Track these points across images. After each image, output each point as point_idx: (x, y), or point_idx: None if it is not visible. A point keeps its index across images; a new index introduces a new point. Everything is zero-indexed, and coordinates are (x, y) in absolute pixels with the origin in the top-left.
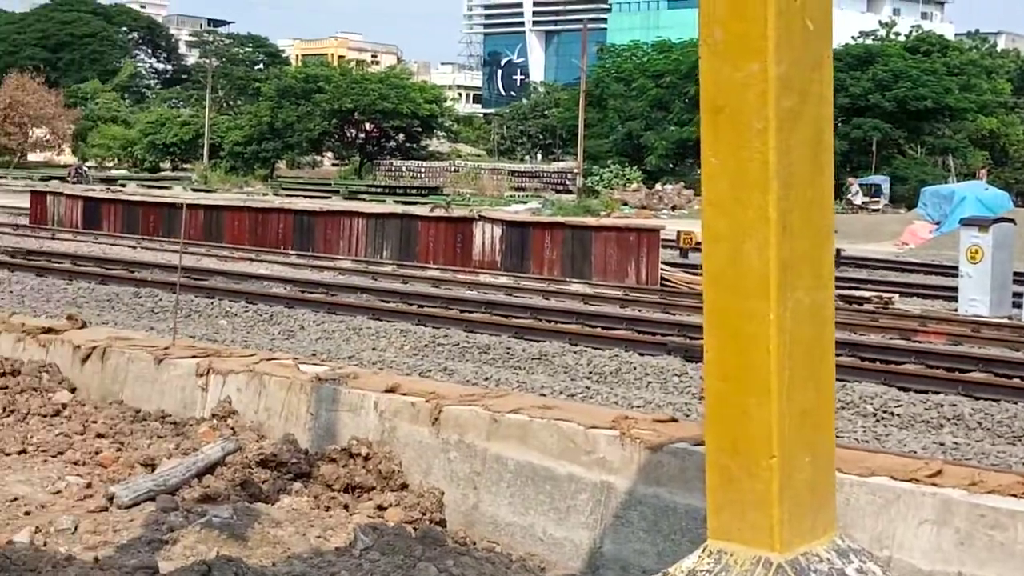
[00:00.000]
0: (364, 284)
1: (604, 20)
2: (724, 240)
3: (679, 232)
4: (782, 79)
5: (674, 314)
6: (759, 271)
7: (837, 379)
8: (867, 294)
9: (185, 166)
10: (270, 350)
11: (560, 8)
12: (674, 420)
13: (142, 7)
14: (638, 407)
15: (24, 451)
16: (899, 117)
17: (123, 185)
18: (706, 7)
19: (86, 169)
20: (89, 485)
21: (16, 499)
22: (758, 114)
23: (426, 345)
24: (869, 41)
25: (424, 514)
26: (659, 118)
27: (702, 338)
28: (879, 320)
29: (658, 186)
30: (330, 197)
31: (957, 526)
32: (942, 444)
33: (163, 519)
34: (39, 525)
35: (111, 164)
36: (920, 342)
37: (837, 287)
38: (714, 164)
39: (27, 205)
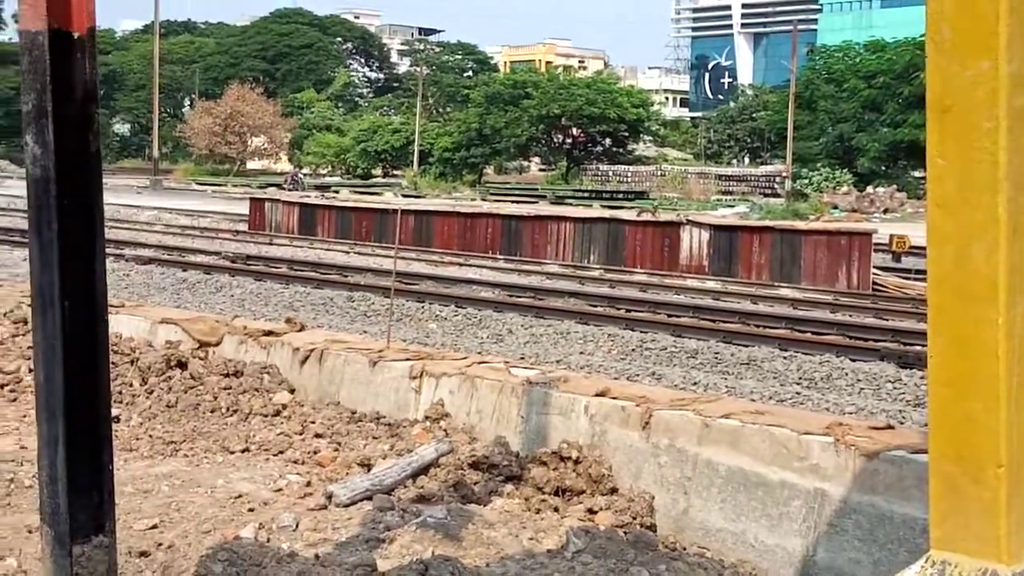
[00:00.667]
0: (571, 288)
1: (814, 21)
2: (950, 242)
3: (892, 236)
4: (1014, 77)
5: (887, 319)
6: (987, 275)
7: None
8: None
9: (396, 172)
10: (479, 353)
11: (769, 10)
12: (890, 427)
13: (356, 18)
14: (851, 414)
15: (247, 449)
16: None
17: (336, 191)
18: (933, 5)
19: (302, 176)
20: (308, 484)
21: (240, 496)
22: (988, 113)
23: (633, 349)
24: None
25: (634, 518)
26: (871, 119)
27: (916, 344)
28: None
29: (869, 189)
30: (537, 202)
31: None
32: None
33: (380, 518)
34: (262, 522)
35: (325, 171)
36: None
37: None
38: (941, 165)
39: (246, 212)
